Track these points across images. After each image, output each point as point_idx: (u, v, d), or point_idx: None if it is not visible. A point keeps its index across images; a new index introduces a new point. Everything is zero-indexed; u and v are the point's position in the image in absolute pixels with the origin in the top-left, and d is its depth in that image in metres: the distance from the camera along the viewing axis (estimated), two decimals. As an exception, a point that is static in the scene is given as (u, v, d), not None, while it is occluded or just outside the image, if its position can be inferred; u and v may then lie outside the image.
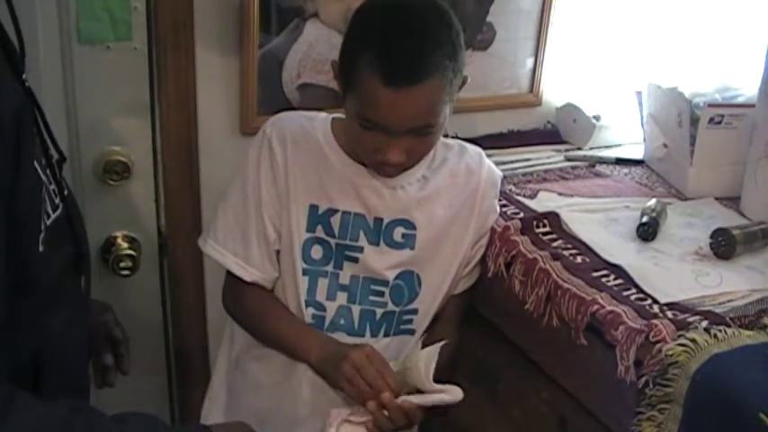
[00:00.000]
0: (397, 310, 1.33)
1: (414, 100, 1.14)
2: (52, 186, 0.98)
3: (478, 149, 1.40)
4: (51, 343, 0.97)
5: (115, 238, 1.60)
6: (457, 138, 1.67)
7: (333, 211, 1.30)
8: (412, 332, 1.35)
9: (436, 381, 1.19)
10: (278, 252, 1.32)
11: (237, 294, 1.35)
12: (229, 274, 1.33)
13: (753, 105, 1.45)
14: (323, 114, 1.36)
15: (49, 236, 0.93)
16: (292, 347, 1.30)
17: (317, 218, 1.30)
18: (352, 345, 1.25)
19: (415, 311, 1.34)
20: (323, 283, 1.30)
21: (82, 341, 1.11)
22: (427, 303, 1.35)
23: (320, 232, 1.30)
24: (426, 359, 1.17)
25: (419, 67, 1.12)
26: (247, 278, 1.31)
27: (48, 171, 0.97)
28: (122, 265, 1.59)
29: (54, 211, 0.97)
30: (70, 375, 1.05)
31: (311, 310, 1.31)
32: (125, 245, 1.60)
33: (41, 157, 0.95)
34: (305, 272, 1.30)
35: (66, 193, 1.03)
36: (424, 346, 1.32)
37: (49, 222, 0.94)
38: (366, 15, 1.20)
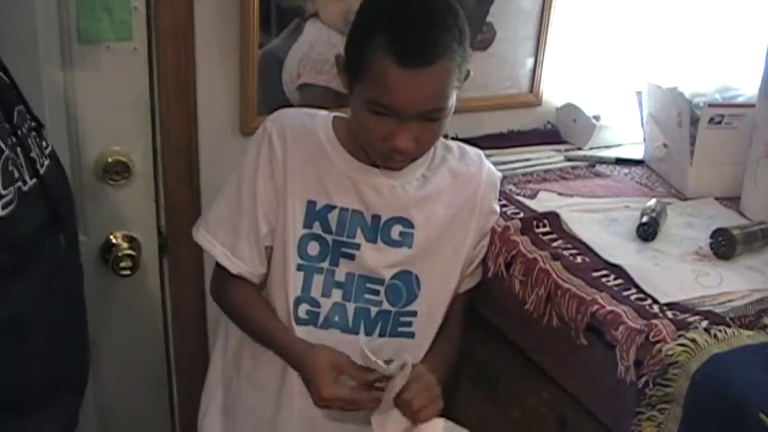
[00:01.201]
0: (393, 310, 1.32)
1: (426, 81, 1.16)
2: (31, 153, 1.00)
3: (478, 151, 1.41)
4: (31, 300, 0.98)
5: (115, 238, 1.60)
6: (457, 138, 1.67)
7: (330, 208, 1.30)
8: (411, 335, 1.34)
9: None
10: (271, 248, 1.32)
11: (223, 285, 1.36)
12: (218, 264, 1.34)
13: (753, 105, 1.45)
14: (324, 112, 1.36)
15: (22, 199, 0.95)
16: (275, 348, 1.31)
17: (315, 214, 1.30)
18: (322, 367, 1.20)
19: (413, 313, 1.33)
20: (318, 280, 1.30)
21: (70, 297, 1.12)
22: (428, 306, 1.34)
23: (317, 228, 1.30)
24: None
25: (431, 49, 1.15)
26: (233, 270, 1.32)
27: (24, 138, 0.99)
28: (122, 265, 1.58)
29: (32, 177, 1.00)
30: (59, 330, 1.05)
31: (305, 306, 1.30)
32: (125, 245, 1.59)
33: (5, 125, 0.97)
34: (300, 267, 1.30)
35: (48, 154, 1.05)
36: (430, 347, 1.34)
37: (26, 188, 0.97)
38: (374, 4, 1.22)
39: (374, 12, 1.21)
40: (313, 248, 1.30)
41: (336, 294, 1.31)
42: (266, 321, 1.31)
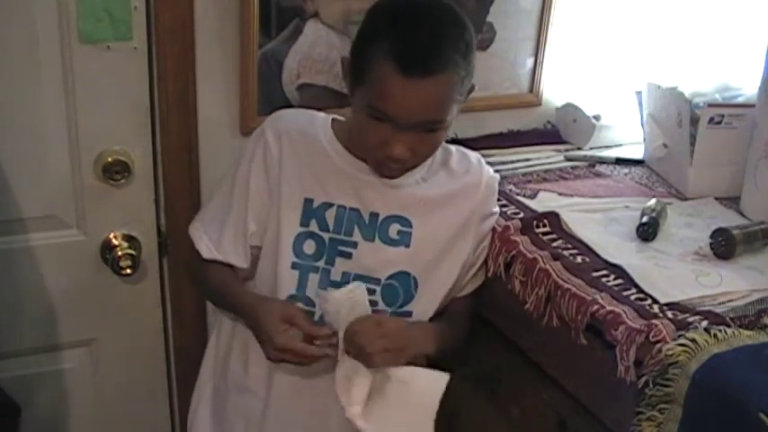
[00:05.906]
0: (389, 310, 1.32)
1: (425, 92, 1.15)
2: None
3: (477, 155, 1.41)
4: None
5: (115, 237, 1.60)
6: (457, 138, 1.67)
7: (328, 205, 1.30)
8: None
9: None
10: (259, 248, 1.32)
11: (202, 266, 1.35)
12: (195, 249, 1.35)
13: (753, 105, 1.45)
14: (322, 114, 1.37)
15: None
16: (234, 307, 1.32)
17: (312, 212, 1.30)
18: (274, 318, 1.20)
19: (408, 314, 1.33)
20: (313, 279, 1.30)
21: None
22: (423, 307, 1.33)
23: (314, 227, 1.30)
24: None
25: (433, 60, 1.15)
26: (208, 257, 1.33)
27: None
28: (122, 264, 1.58)
29: None
30: None
31: (300, 305, 1.29)
32: (125, 245, 1.59)
33: None
34: (295, 266, 1.30)
35: None
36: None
37: None
38: (383, 10, 1.22)
39: (381, 17, 1.21)
40: (309, 247, 1.30)
41: None
42: (229, 284, 1.32)
